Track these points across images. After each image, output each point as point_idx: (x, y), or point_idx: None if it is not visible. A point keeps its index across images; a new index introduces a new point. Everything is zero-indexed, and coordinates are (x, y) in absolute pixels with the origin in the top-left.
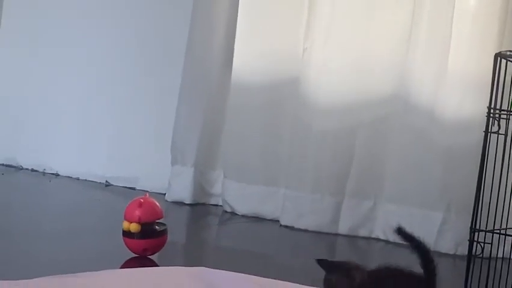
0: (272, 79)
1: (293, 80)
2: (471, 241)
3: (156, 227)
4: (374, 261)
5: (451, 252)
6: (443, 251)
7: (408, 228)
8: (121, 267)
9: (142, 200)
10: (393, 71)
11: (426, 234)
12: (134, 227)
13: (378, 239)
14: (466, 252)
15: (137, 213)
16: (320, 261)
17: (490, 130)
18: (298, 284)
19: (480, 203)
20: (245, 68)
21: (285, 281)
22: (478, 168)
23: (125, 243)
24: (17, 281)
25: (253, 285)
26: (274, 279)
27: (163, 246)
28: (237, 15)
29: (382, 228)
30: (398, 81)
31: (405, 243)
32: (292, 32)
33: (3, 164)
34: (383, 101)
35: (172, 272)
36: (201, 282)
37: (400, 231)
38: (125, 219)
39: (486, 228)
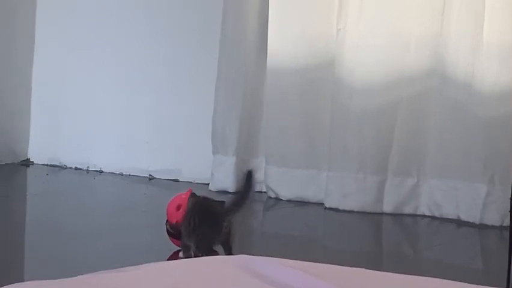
0: (308, 62)
1: (329, 61)
2: None
3: None
4: (421, 238)
5: (497, 224)
6: (490, 223)
7: (454, 202)
8: (168, 259)
9: (180, 203)
10: (428, 46)
11: (472, 207)
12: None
13: (424, 216)
14: None
15: (178, 215)
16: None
17: None
18: (345, 267)
19: None
20: (280, 52)
21: (333, 264)
22: None
23: (172, 242)
24: (64, 279)
25: (297, 270)
26: (322, 262)
27: None
28: (268, 1)
29: (427, 205)
30: (434, 56)
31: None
32: (325, 13)
33: (47, 164)
34: (420, 77)
35: (213, 262)
36: (244, 271)
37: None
38: (168, 219)
39: None
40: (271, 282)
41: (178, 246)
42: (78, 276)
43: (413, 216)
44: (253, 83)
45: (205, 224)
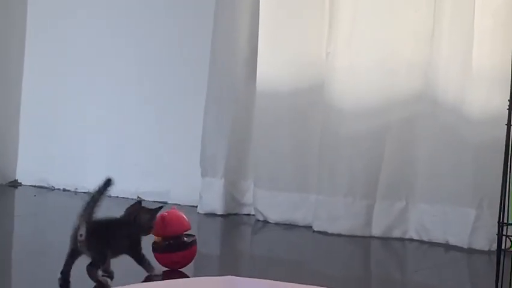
0: (297, 85)
1: (318, 85)
2: (499, 235)
3: (185, 239)
4: (409, 262)
5: (486, 249)
6: (478, 247)
7: (442, 226)
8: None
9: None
10: (418, 70)
11: (460, 232)
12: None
13: (412, 240)
14: None
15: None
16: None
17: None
18: None
19: (507, 196)
20: (270, 75)
21: (321, 286)
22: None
23: (156, 258)
24: None
25: None
26: (310, 285)
27: (193, 257)
28: (258, 24)
29: (415, 229)
30: (424, 80)
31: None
32: (315, 37)
33: (35, 186)
34: (410, 101)
35: (200, 282)
36: None
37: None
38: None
39: None
40: None
41: (159, 262)
42: None
43: (402, 240)
44: (242, 106)
45: None
